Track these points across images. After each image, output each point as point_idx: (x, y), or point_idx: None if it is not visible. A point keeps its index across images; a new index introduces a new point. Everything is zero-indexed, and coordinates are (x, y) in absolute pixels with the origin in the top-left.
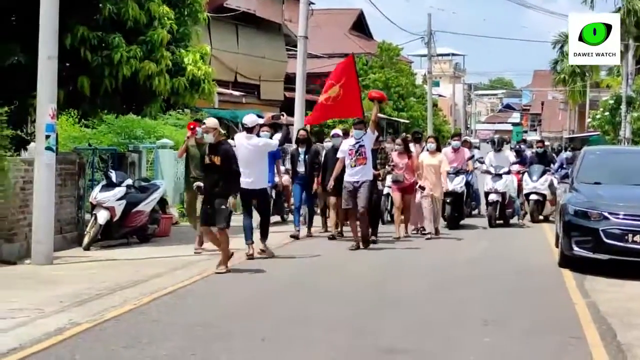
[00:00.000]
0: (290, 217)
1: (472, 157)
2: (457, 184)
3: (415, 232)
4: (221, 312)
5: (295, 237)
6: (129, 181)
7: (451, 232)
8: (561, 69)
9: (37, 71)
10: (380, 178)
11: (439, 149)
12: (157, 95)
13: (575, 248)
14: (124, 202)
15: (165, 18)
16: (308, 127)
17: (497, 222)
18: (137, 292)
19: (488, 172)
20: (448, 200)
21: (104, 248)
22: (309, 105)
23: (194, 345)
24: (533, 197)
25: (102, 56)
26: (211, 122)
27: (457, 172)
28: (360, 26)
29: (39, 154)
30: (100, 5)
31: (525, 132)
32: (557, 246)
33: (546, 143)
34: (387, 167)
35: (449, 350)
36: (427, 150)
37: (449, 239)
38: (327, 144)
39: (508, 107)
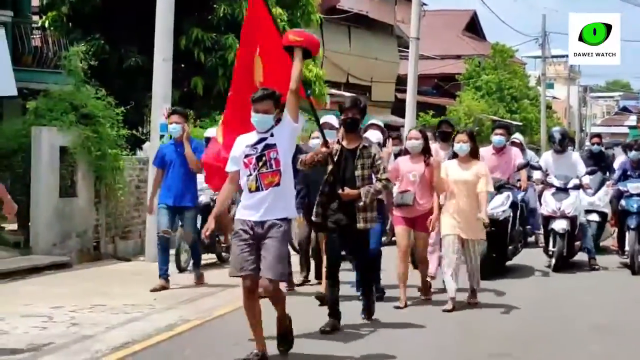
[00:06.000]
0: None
1: (526, 164)
2: (498, 207)
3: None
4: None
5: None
6: None
7: (488, 284)
8: None
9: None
10: (360, 202)
11: (475, 154)
12: None
13: None
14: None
15: (279, 19)
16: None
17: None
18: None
19: (548, 183)
20: None
21: None
22: (420, 106)
23: (300, 345)
24: (591, 217)
25: (216, 57)
26: None
27: (499, 188)
28: (473, 27)
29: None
30: (215, 6)
31: None
32: None
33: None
34: (378, 181)
35: (553, 356)
36: (455, 155)
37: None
38: (314, 141)
39: (624, 110)
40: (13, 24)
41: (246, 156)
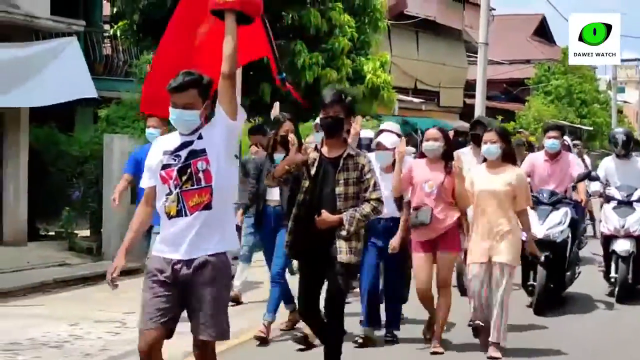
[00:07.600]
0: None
1: (587, 174)
2: (555, 227)
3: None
4: None
5: (261, 338)
6: None
7: (543, 321)
8: None
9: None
10: (343, 230)
11: (509, 158)
12: None
13: None
14: None
15: (347, 26)
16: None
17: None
18: None
19: (609, 196)
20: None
21: None
22: (489, 112)
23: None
24: None
25: (285, 63)
26: None
27: (555, 203)
28: (542, 31)
29: None
30: (283, 13)
31: None
32: None
33: None
34: (366, 203)
35: None
36: (483, 158)
37: None
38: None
39: None
40: (85, 33)
41: (164, 167)
